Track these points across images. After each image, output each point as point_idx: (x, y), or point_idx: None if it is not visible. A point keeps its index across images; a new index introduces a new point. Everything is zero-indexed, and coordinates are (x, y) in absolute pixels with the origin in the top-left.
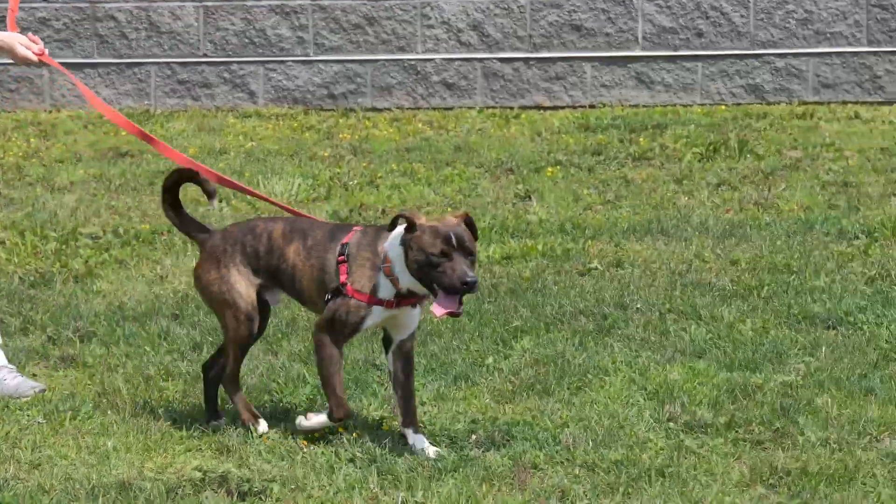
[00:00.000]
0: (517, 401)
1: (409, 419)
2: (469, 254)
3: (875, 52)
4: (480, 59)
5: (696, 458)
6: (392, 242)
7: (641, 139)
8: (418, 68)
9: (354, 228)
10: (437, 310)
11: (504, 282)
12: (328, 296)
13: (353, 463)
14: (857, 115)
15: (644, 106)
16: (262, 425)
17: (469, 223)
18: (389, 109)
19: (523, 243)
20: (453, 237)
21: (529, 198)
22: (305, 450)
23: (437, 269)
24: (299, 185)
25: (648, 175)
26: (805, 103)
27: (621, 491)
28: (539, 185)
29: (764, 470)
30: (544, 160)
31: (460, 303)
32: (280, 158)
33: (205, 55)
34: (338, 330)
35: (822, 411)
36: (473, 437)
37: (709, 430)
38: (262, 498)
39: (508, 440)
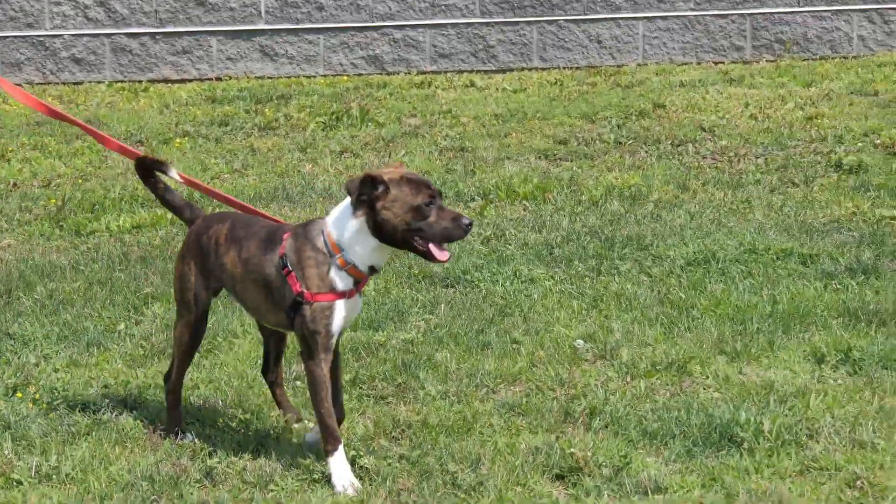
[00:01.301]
0: (149, 365)
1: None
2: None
3: (488, 23)
4: (108, 35)
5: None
6: (342, 228)
7: (267, 110)
8: (47, 44)
9: (284, 237)
10: (442, 255)
11: (135, 250)
12: (290, 313)
13: None
14: (472, 84)
15: (269, 78)
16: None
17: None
18: (20, 85)
19: (153, 213)
20: (430, 182)
21: None
22: None
23: (426, 219)
24: None
25: (274, 144)
26: (423, 73)
27: (251, 448)
28: (168, 156)
29: (387, 423)
30: (172, 132)
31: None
32: None
33: None
34: (314, 345)
35: (442, 366)
36: (107, 400)
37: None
38: None
39: (141, 403)
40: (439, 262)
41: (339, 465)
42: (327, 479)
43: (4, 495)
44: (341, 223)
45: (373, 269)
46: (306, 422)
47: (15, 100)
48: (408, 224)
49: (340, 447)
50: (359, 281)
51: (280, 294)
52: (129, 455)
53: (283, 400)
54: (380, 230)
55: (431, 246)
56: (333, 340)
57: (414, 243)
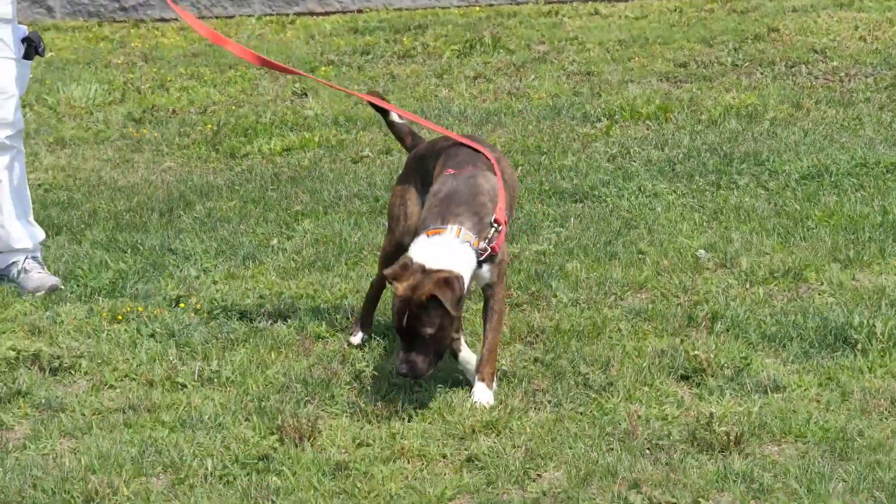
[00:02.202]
0: (300, 277)
1: (478, 364)
2: (409, 335)
3: None
4: None
5: (463, 323)
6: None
7: (405, 39)
8: None
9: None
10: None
11: (285, 171)
12: None
13: (154, 338)
14: (597, 12)
15: (407, 9)
16: (357, 338)
17: (442, 286)
18: (176, 19)
19: (301, 136)
20: (395, 320)
21: (305, 95)
22: (109, 328)
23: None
24: (96, 90)
25: (412, 71)
26: (550, 2)
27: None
28: (314, 84)
29: (522, 329)
30: (318, 60)
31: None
32: (77, 67)
33: None
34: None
35: (573, 275)
36: (262, 309)
37: (472, 295)
38: (72, 372)
39: (294, 312)
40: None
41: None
42: (466, 383)
43: (170, 397)
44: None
45: None
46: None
47: (232, 52)
48: None
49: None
50: None
51: None
52: (283, 360)
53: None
54: None
55: None
56: None
57: None
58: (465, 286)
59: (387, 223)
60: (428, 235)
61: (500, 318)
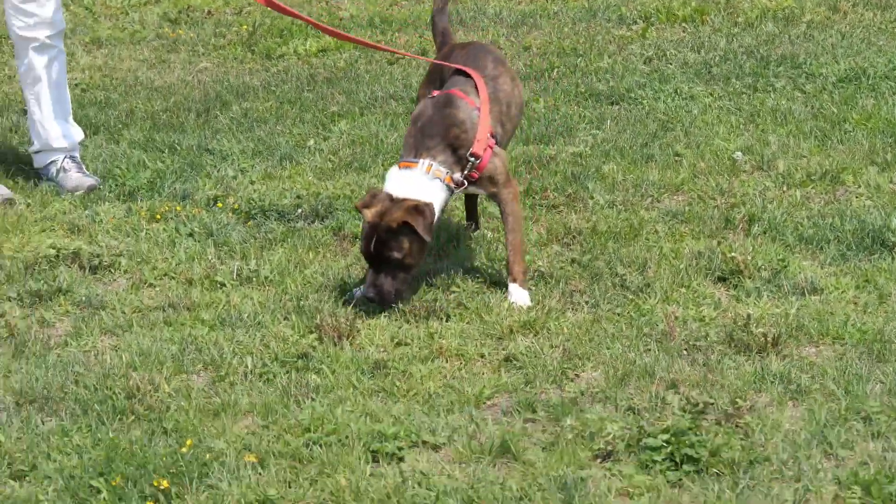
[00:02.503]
0: (337, 177)
1: (508, 266)
2: (378, 260)
3: None
4: None
5: (497, 222)
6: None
7: None
8: None
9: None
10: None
11: (321, 72)
12: None
13: (192, 237)
14: None
15: None
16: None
17: (412, 212)
18: None
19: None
20: (363, 247)
21: None
22: (148, 227)
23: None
24: None
25: None
26: None
27: (433, 253)
28: None
29: (559, 230)
30: None
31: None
32: None
33: None
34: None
35: (609, 177)
36: (299, 210)
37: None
38: (112, 270)
39: (331, 212)
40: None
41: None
42: (504, 284)
43: (209, 295)
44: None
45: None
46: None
47: None
48: None
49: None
50: None
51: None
52: (321, 259)
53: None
54: None
55: None
56: None
57: None
58: (436, 215)
59: None
60: (399, 168)
61: (516, 218)
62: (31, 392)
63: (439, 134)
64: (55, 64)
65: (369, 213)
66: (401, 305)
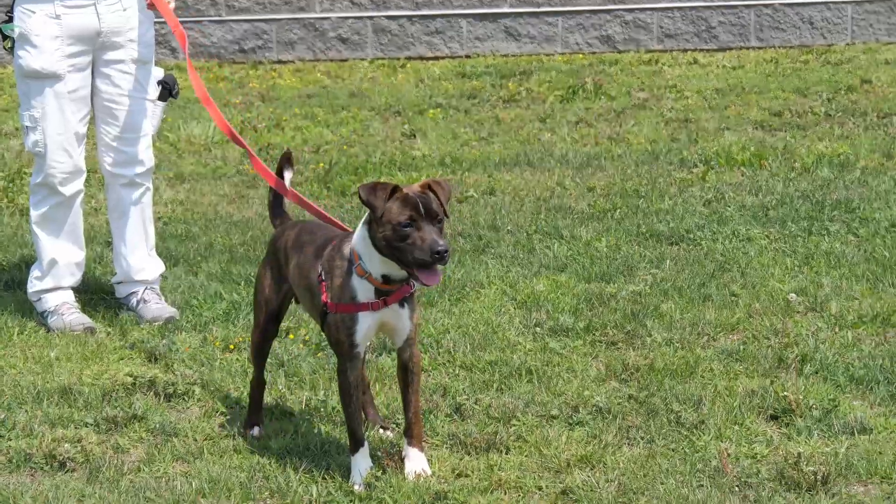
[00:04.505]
0: None
1: (408, 430)
2: (437, 220)
3: (710, 6)
4: (370, 17)
5: (559, 358)
6: (358, 236)
7: (510, 84)
8: (317, 25)
9: (332, 242)
10: (427, 278)
11: None
12: (322, 321)
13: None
14: (695, 61)
15: (512, 55)
16: (255, 431)
17: (435, 187)
18: (292, 62)
19: (409, 175)
20: (420, 204)
21: (414, 136)
22: (222, 357)
23: (406, 241)
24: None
25: (516, 115)
26: (651, 51)
27: (495, 387)
28: (422, 126)
29: (617, 367)
30: (426, 103)
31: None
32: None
33: None
34: (339, 354)
35: (667, 315)
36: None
37: (570, 333)
38: (186, 399)
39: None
40: (424, 285)
41: (357, 464)
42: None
43: (278, 424)
44: (360, 234)
45: (387, 279)
46: (389, 432)
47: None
48: (387, 241)
49: (361, 449)
50: (384, 292)
51: (318, 301)
52: (387, 391)
53: (368, 406)
54: (374, 242)
55: (417, 272)
56: (358, 351)
57: (402, 262)
58: None
59: None
60: None
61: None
62: None
63: None
64: (142, 200)
65: (413, 186)
66: (461, 437)
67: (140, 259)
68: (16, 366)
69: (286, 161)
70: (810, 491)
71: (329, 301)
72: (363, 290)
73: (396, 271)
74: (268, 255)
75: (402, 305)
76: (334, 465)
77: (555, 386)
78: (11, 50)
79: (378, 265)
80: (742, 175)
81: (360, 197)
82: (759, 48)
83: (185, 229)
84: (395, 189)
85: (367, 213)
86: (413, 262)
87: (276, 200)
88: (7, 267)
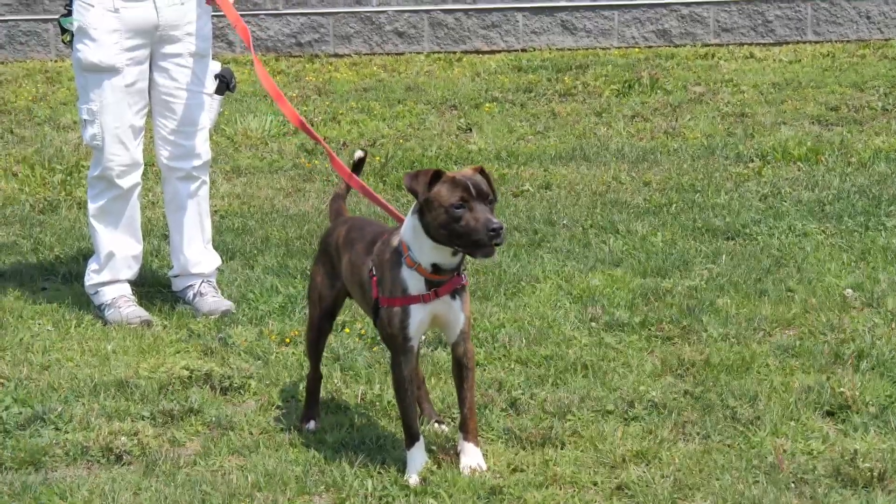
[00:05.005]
0: None
1: (463, 425)
2: (489, 200)
3: (766, 1)
4: (427, 10)
5: (614, 353)
6: (406, 226)
7: (566, 78)
8: (373, 19)
9: (382, 237)
10: (485, 255)
11: None
12: (374, 317)
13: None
14: (751, 55)
15: (569, 49)
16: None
17: (483, 173)
18: (349, 55)
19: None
20: (471, 185)
21: (470, 130)
22: (277, 351)
23: (459, 222)
24: (271, 121)
25: (573, 109)
26: (707, 45)
27: (550, 381)
28: (478, 119)
29: (673, 362)
30: (483, 97)
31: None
32: (255, 99)
33: None
34: (392, 348)
35: (723, 311)
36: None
37: (625, 328)
38: (242, 392)
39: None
40: (483, 258)
41: (412, 458)
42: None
43: (334, 418)
44: (408, 225)
45: (437, 269)
46: (445, 427)
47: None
48: (441, 225)
49: (416, 443)
50: (435, 283)
51: (370, 297)
52: (443, 385)
53: (423, 400)
54: (426, 229)
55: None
56: (411, 344)
57: (453, 245)
58: None
59: None
60: None
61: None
62: None
63: None
64: (199, 193)
65: (465, 170)
66: (517, 431)
67: (197, 252)
68: (73, 359)
69: (361, 162)
70: (866, 488)
71: (380, 295)
72: (414, 282)
73: (446, 259)
74: (320, 252)
75: (453, 297)
76: (390, 460)
77: (610, 381)
78: (70, 43)
79: (428, 254)
80: (798, 170)
81: (404, 185)
82: (816, 42)
83: (241, 223)
84: (438, 173)
85: (415, 203)
86: (469, 244)
87: (342, 193)
88: (65, 260)
